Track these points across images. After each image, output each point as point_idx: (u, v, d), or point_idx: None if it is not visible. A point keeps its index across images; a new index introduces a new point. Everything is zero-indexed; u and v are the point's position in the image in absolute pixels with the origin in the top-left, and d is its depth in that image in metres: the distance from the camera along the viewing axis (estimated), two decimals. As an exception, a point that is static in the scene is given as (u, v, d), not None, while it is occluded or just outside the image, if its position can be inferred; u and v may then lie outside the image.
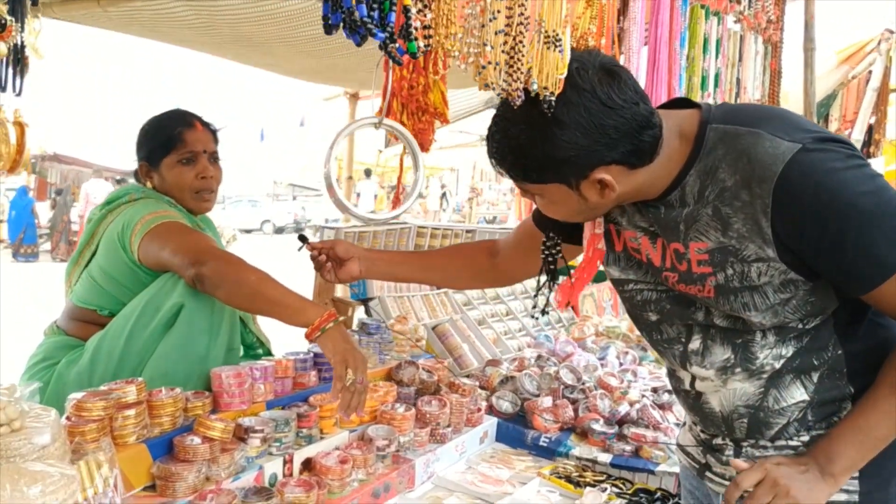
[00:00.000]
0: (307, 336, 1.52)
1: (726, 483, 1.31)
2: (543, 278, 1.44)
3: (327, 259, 1.65)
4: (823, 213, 1.03)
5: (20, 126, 0.73)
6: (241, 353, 1.99)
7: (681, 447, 1.48)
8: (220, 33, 2.67)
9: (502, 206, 19.58)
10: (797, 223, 1.05)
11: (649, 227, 1.23)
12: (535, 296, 1.44)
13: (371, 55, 3.00)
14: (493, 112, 1.12)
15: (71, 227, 13.74)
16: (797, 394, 1.20)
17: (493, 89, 0.96)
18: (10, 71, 0.65)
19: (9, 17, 0.64)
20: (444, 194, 20.76)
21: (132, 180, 2.09)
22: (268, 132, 16.00)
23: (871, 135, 5.81)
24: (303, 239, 1.69)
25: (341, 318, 1.54)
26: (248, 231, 21.43)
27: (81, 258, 1.89)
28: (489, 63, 0.94)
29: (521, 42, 0.95)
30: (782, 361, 1.19)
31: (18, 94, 0.68)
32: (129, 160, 2.08)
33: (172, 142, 1.91)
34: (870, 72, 5.48)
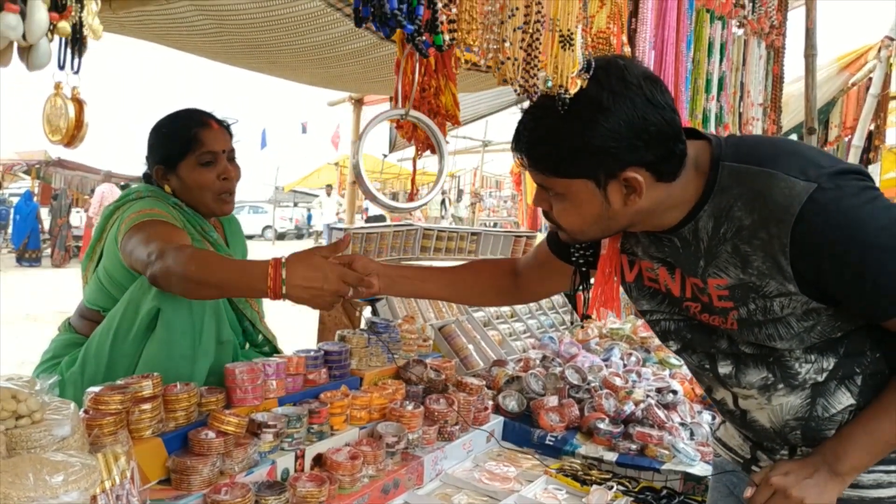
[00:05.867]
0: (274, 299, 1.41)
1: None
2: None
3: None
4: (842, 251, 1.04)
5: (78, 103, 0.76)
6: (236, 340, 1.94)
7: (721, 442, 1.47)
8: (229, 40, 2.69)
9: (503, 213, 19.62)
10: (816, 261, 1.06)
11: (666, 258, 1.23)
12: (573, 294, 1.44)
13: (376, 63, 3.05)
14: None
15: (71, 233, 13.73)
16: (844, 399, 1.19)
17: (512, 85, 0.99)
18: (70, 50, 0.69)
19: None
20: (443, 201, 20.84)
21: (135, 186, 1.99)
22: (270, 138, 16.06)
23: (870, 141, 5.85)
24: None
25: (282, 258, 1.42)
26: (250, 237, 21.38)
27: (94, 254, 1.87)
28: (508, 59, 0.98)
29: (538, 40, 0.98)
30: (825, 374, 1.18)
31: (76, 73, 0.71)
32: (134, 166, 2.04)
33: (189, 143, 1.86)
34: (870, 78, 5.52)
